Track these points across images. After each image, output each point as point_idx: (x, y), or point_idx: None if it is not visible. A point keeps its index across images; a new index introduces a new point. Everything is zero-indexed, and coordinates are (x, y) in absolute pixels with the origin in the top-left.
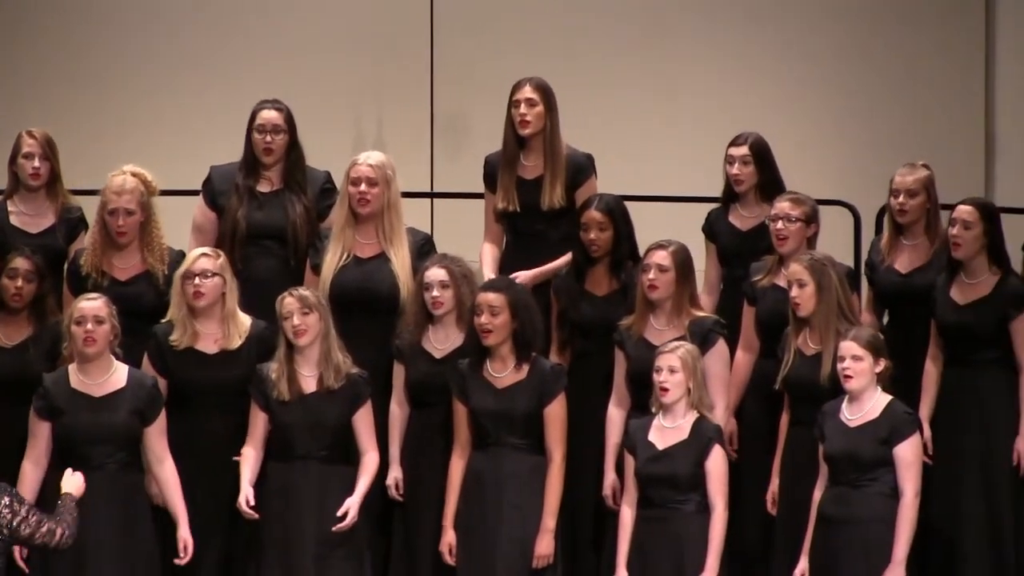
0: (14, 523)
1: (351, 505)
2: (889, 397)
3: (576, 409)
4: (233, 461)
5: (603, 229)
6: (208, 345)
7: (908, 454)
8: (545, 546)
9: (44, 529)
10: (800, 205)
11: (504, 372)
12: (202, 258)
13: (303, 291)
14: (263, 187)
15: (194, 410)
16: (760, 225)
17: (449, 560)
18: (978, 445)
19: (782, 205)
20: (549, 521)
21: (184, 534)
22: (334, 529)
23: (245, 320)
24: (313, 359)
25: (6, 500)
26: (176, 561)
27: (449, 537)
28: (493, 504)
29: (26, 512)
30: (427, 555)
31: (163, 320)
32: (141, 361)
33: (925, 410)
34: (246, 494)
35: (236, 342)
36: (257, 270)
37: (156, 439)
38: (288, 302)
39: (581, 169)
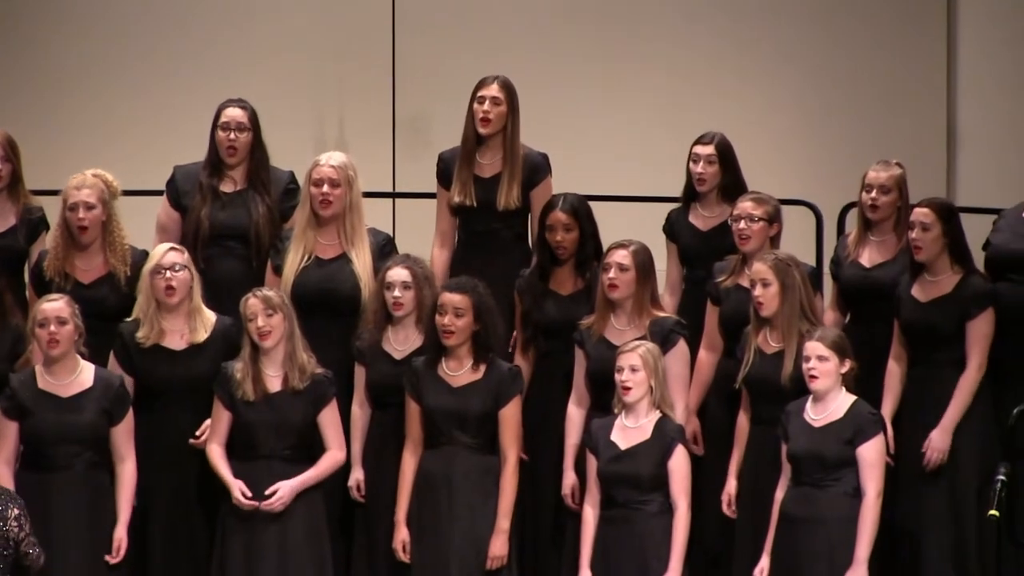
0: (20, 536)
1: (282, 486)
2: (853, 397)
3: (540, 409)
4: (190, 444)
5: (568, 230)
6: (175, 341)
7: (871, 454)
8: (499, 547)
9: (38, 550)
10: (762, 205)
11: (460, 371)
12: (170, 252)
13: (267, 292)
14: (227, 187)
15: (162, 406)
16: (720, 225)
17: (403, 557)
18: None
19: (744, 205)
20: (503, 522)
21: (120, 534)
22: (262, 506)
23: (210, 315)
24: (278, 359)
25: (15, 512)
26: (107, 558)
27: (402, 534)
28: (446, 504)
29: (30, 528)
30: (388, 556)
31: (128, 318)
32: (103, 363)
33: (888, 409)
34: (239, 487)
35: (202, 335)
36: (220, 270)
37: (121, 438)
38: (252, 303)
39: (537, 169)
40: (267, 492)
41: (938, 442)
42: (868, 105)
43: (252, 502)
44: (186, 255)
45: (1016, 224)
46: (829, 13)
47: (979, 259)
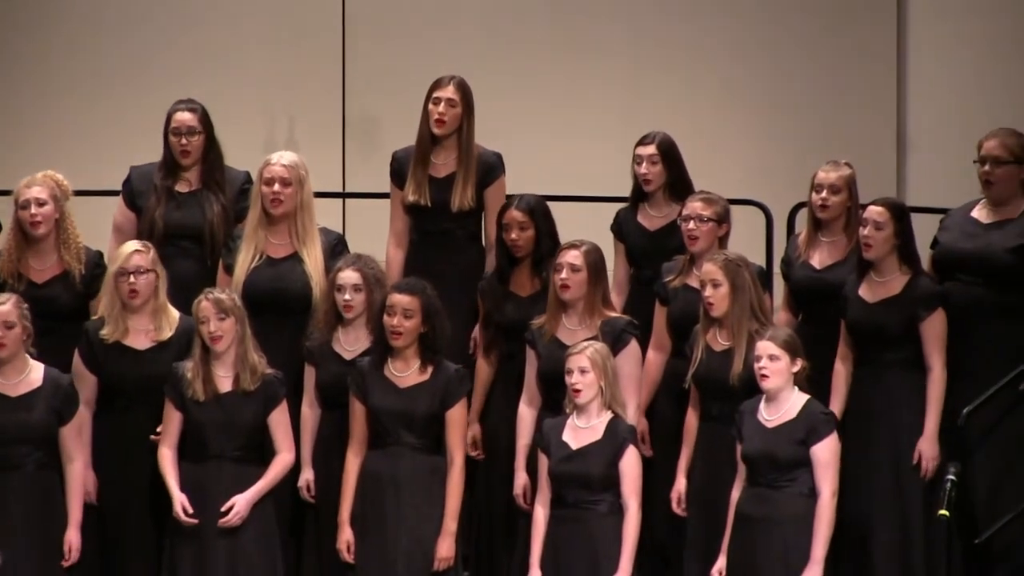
0: None
1: (237, 500)
2: (806, 397)
3: (502, 409)
4: (151, 440)
5: (524, 228)
6: (139, 340)
7: (825, 454)
8: (446, 548)
9: None
10: (712, 205)
11: (407, 372)
12: (135, 255)
13: (219, 295)
14: (181, 187)
15: (125, 405)
16: (668, 225)
17: (347, 558)
18: (887, 445)
19: (694, 205)
20: (450, 524)
21: (71, 536)
22: (219, 523)
23: (175, 313)
24: (229, 361)
25: None
26: (63, 563)
27: (346, 535)
28: (393, 504)
29: None
30: (339, 557)
31: (94, 316)
32: (56, 362)
33: (836, 410)
34: (181, 501)
35: (167, 333)
36: (174, 270)
37: (70, 438)
38: (204, 306)
39: (491, 168)
40: (223, 509)
41: (929, 451)
42: (818, 105)
43: (191, 520)
44: (151, 255)
45: (964, 223)
46: (780, 13)
47: (927, 258)
